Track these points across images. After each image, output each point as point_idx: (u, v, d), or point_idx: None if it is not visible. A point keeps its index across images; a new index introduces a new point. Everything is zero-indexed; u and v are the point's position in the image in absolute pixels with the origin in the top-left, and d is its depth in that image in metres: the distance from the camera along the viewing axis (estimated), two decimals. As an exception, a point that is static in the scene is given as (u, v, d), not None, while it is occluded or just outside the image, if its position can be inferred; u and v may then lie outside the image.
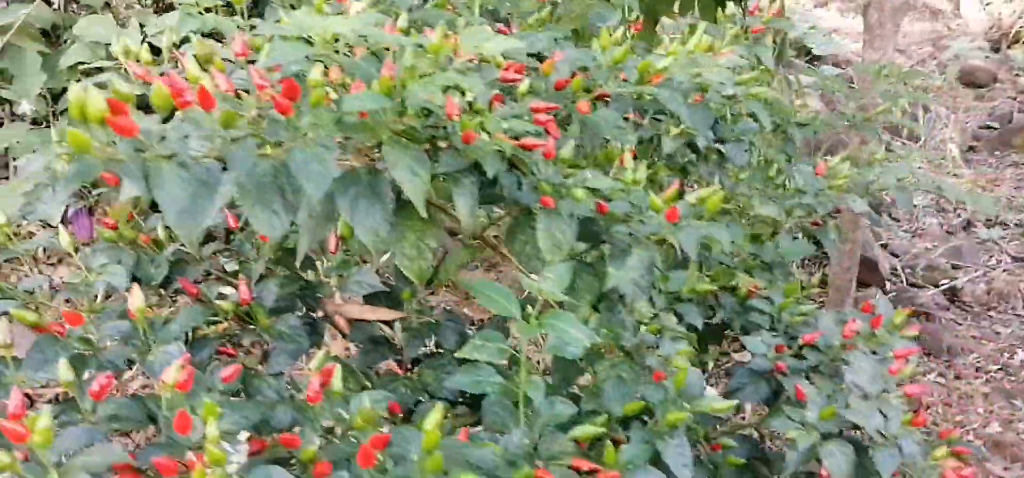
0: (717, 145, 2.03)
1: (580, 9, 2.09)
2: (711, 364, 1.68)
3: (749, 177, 2.00)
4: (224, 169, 0.98)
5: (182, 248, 1.52)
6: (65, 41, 3.53)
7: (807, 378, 1.52)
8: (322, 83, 1.09)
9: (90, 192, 1.54)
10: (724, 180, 2.02)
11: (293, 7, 1.56)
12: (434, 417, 1.01)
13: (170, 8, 3.60)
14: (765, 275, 1.79)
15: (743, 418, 2.37)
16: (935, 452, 1.40)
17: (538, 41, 1.74)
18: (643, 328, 1.47)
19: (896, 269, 5.11)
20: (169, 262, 1.49)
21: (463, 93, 1.29)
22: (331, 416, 1.14)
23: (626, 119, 1.72)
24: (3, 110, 3.92)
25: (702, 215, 1.33)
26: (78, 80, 3.08)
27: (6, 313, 1.22)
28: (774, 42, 4.29)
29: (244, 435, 1.02)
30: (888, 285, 5.00)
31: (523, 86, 1.47)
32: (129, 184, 0.88)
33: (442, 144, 1.27)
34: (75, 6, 3.73)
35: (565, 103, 1.55)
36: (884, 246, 5.41)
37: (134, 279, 1.44)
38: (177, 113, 1.02)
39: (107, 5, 3.74)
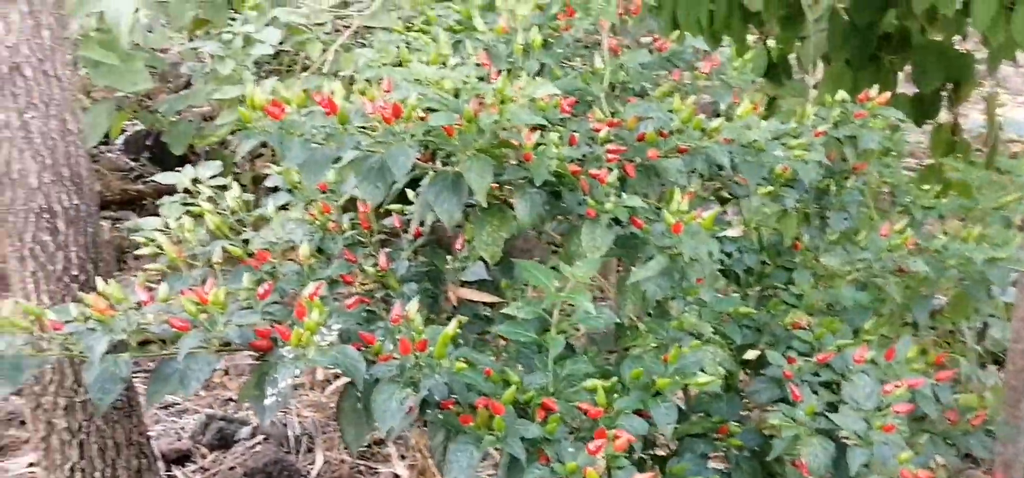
0: (823, 212, 2.36)
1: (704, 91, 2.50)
2: (740, 373, 1.98)
3: (839, 239, 2.29)
4: (338, 153, 1.56)
5: (357, 235, 2.11)
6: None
7: (814, 391, 1.82)
8: (414, 106, 1.64)
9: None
10: (819, 242, 2.33)
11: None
12: (450, 327, 1.50)
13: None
14: (824, 315, 2.08)
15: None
16: (901, 455, 1.64)
17: (651, 108, 2.19)
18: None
19: None
20: (345, 243, 2.09)
21: (541, 130, 1.79)
22: (406, 334, 1.65)
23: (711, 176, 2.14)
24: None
25: (698, 233, 1.71)
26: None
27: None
28: (986, 145, 4.35)
29: (335, 330, 1.57)
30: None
31: (603, 133, 1.95)
32: (273, 146, 1.47)
33: (513, 162, 1.77)
34: (358, 78, 4.64)
35: (642, 151, 1.99)
36: None
37: (319, 251, 2.05)
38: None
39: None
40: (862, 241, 2.21)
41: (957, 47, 3.62)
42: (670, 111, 2.11)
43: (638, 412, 1.64)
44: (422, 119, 1.64)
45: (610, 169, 1.86)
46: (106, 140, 5.52)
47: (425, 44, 2.11)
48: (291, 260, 1.94)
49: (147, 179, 5.38)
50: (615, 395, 1.66)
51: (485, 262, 1.94)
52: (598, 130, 1.98)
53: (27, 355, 1.48)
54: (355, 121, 1.64)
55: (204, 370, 1.52)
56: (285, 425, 3.46)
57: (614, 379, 1.70)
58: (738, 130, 1.96)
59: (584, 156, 1.87)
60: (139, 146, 5.56)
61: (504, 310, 1.74)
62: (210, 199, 2.08)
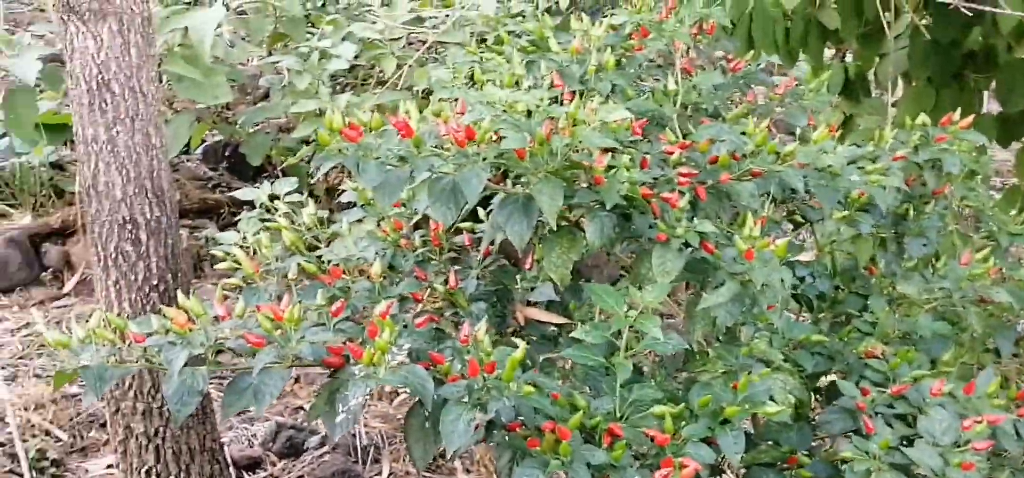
0: (900, 237, 2.31)
1: (780, 113, 2.46)
2: (812, 400, 1.94)
3: (916, 266, 2.23)
4: (411, 174, 1.58)
5: (427, 252, 2.14)
6: (421, 121, 4.48)
7: (888, 424, 1.77)
8: (488, 129, 1.65)
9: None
10: (896, 268, 2.27)
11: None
12: (519, 352, 1.51)
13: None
14: (902, 344, 2.03)
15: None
16: (979, 495, 1.60)
17: (723, 130, 2.17)
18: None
19: None
20: (415, 260, 2.12)
21: (612, 152, 1.79)
22: (475, 355, 1.66)
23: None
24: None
25: (771, 260, 1.69)
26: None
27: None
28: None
29: (405, 348, 1.59)
30: None
31: (675, 156, 1.94)
32: (349, 168, 1.50)
33: (584, 184, 1.77)
34: (432, 95, 4.69)
35: (714, 174, 1.97)
36: None
37: (390, 267, 2.08)
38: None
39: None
40: (941, 269, 2.15)
41: (1045, 66, 3.51)
42: (743, 133, 2.09)
43: (706, 440, 1.63)
44: (495, 140, 1.65)
45: (681, 193, 1.85)
46: (186, 150, 5.69)
47: (498, 64, 2.12)
48: (364, 276, 1.97)
49: (225, 189, 5.52)
50: (682, 422, 1.65)
51: (553, 283, 1.95)
52: (670, 153, 1.97)
53: (111, 366, 1.53)
54: (428, 141, 1.66)
55: (277, 385, 1.55)
56: (354, 435, 3.51)
57: (682, 405, 1.68)
58: (813, 154, 1.93)
59: (655, 179, 1.86)
60: (218, 156, 5.71)
61: (572, 334, 1.74)
62: (286, 215, 2.12)
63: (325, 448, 3.38)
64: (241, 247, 2.00)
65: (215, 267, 4.91)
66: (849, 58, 4.07)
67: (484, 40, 4.22)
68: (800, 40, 3.54)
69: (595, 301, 1.73)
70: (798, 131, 2.33)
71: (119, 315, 2.69)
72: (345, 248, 1.96)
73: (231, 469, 3.16)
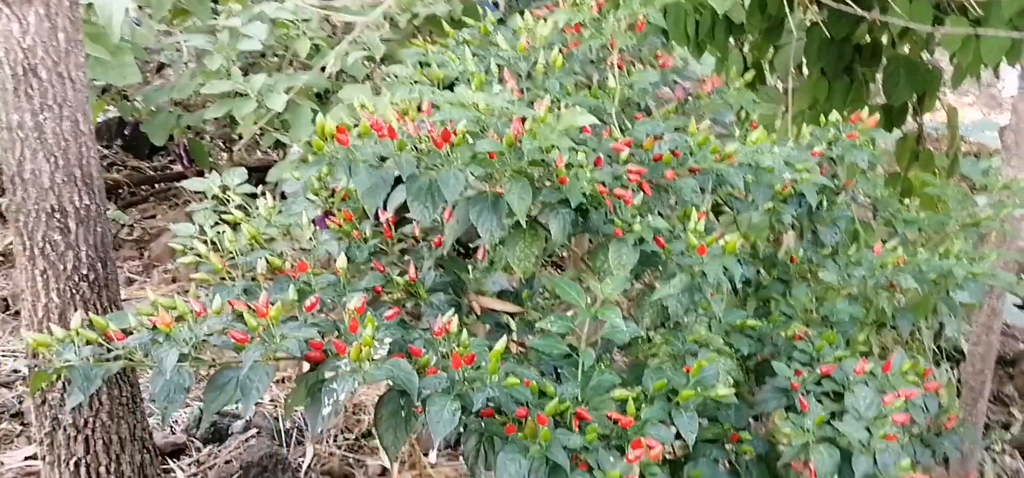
0: (814, 226, 2.50)
1: (707, 108, 2.62)
2: (747, 385, 2.12)
3: (831, 253, 2.43)
4: (397, 177, 1.64)
5: (379, 244, 2.20)
6: (332, 102, 4.46)
7: (819, 401, 1.96)
8: (463, 133, 1.73)
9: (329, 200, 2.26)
10: (813, 255, 2.47)
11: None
12: (501, 344, 1.61)
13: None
14: (820, 328, 2.22)
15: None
16: (902, 463, 1.79)
17: (659, 127, 2.30)
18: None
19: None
20: (369, 251, 2.17)
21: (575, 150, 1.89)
22: (447, 346, 1.74)
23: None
24: (281, 152, 4.97)
25: (721, 255, 1.83)
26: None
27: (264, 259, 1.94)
28: (947, 154, 4.56)
29: (387, 343, 1.66)
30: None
31: (624, 154, 2.05)
32: (340, 172, 1.55)
33: (547, 184, 1.87)
34: (343, 76, 4.68)
35: (660, 171, 2.10)
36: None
37: (346, 257, 2.13)
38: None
39: (368, 77, 4.69)
40: (854, 257, 2.36)
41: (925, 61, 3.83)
42: (677, 130, 2.23)
43: (664, 421, 1.76)
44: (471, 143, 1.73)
45: (633, 190, 1.97)
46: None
47: (451, 60, 2.19)
48: (327, 270, 2.01)
49: (121, 167, 5.35)
50: (640, 404, 1.78)
51: (506, 274, 2.05)
52: (619, 150, 2.09)
53: (96, 365, 1.54)
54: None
55: (264, 381, 1.59)
56: (276, 418, 3.52)
57: (639, 389, 1.81)
58: (751, 154, 2.09)
59: (616, 177, 1.98)
60: (111, 134, 5.53)
61: (538, 324, 1.84)
62: (240, 207, 2.14)
63: (250, 432, 3.39)
64: (201, 240, 2.01)
65: (120, 249, 4.76)
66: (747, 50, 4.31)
67: (431, 33, 4.26)
68: (707, 33, 3.75)
69: (560, 294, 1.84)
70: (727, 124, 2.50)
71: (46, 306, 2.63)
72: (286, 242, 2.00)
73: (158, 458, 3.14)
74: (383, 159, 1.67)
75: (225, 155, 5.19)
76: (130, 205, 5.00)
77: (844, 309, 2.23)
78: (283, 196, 2.53)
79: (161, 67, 5.43)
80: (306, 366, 1.76)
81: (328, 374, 1.62)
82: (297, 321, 1.72)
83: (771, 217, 2.40)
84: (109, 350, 1.59)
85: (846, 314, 2.23)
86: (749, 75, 2.59)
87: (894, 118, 4.03)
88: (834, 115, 2.52)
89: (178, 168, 5.26)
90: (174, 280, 4.42)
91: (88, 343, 1.60)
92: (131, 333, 1.63)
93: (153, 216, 4.96)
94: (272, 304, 1.65)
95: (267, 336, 1.61)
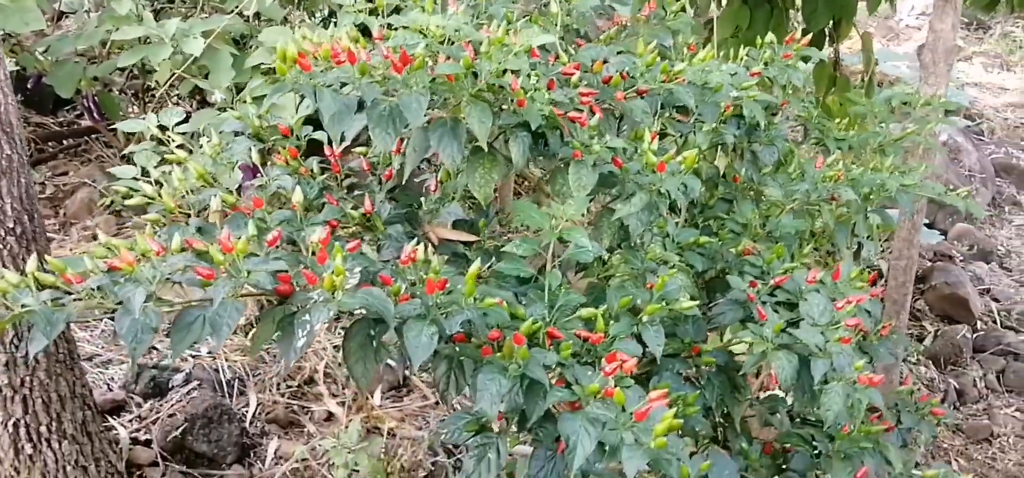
0: (752, 146, 2.55)
1: (645, 34, 2.64)
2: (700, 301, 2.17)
3: (771, 172, 2.50)
4: (359, 102, 1.61)
5: (326, 181, 2.16)
6: (251, 46, 4.33)
7: (775, 311, 2.02)
8: (422, 56, 1.70)
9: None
10: (753, 174, 2.53)
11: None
12: (474, 267, 1.60)
13: (333, 23, 4.36)
14: (767, 243, 2.28)
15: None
16: (856, 363, 1.87)
17: (602, 51, 2.31)
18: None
19: (992, 311, 5.42)
20: (319, 186, 2.13)
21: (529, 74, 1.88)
22: (415, 274, 1.73)
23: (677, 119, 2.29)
24: (193, 102, 4.81)
25: (681, 171, 1.86)
26: (258, 78, 3.85)
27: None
28: (862, 79, 4.71)
29: (357, 272, 1.63)
30: (979, 324, 5.30)
31: (575, 77, 2.05)
32: (307, 99, 1.51)
33: (505, 107, 1.86)
34: (260, 19, 4.54)
35: (609, 93, 2.11)
36: (987, 290, 5.68)
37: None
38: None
39: (285, 19, 4.55)
40: (795, 173, 2.42)
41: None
42: (621, 53, 2.24)
43: (629, 337, 1.79)
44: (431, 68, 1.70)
45: (590, 113, 1.98)
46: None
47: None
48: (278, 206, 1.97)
49: (24, 123, 5.09)
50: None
51: (461, 203, 2.04)
52: (569, 74, 2.08)
53: (56, 310, 1.48)
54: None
55: (234, 317, 1.56)
56: (217, 370, 3.45)
57: (604, 307, 1.84)
58: (699, 73, 2.12)
59: (570, 100, 1.98)
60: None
61: (506, 248, 1.84)
62: (181, 147, 2.07)
63: (190, 385, 3.31)
64: (144, 181, 1.93)
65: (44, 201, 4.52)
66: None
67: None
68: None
69: (521, 217, 1.84)
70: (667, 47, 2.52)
71: (-29, 262, 2.51)
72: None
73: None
74: (343, 85, 1.64)
75: (136, 107, 4.99)
76: (38, 163, 4.76)
77: (789, 224, 2.29)
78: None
79: (61, 16, 5.17)
80: (265, 304, 1.73)
81: (297, 307, 1.59)
82: (259, 257, 1.67)
83: (712, 138, 2.45)
84: (68, 293, 1.53)
85: (792, 228, 2.30)
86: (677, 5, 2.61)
87: (813, 43, 4.13)
88: (770, 37, 2.57)
89: (87, 123, 5.03)
90: (94, 238, 4.25)
91: (43, 287, 1.53)
92: (88, 277, 1.56)
93: (65, 173, 4.75)
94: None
95: (234, 271, 1.57)
